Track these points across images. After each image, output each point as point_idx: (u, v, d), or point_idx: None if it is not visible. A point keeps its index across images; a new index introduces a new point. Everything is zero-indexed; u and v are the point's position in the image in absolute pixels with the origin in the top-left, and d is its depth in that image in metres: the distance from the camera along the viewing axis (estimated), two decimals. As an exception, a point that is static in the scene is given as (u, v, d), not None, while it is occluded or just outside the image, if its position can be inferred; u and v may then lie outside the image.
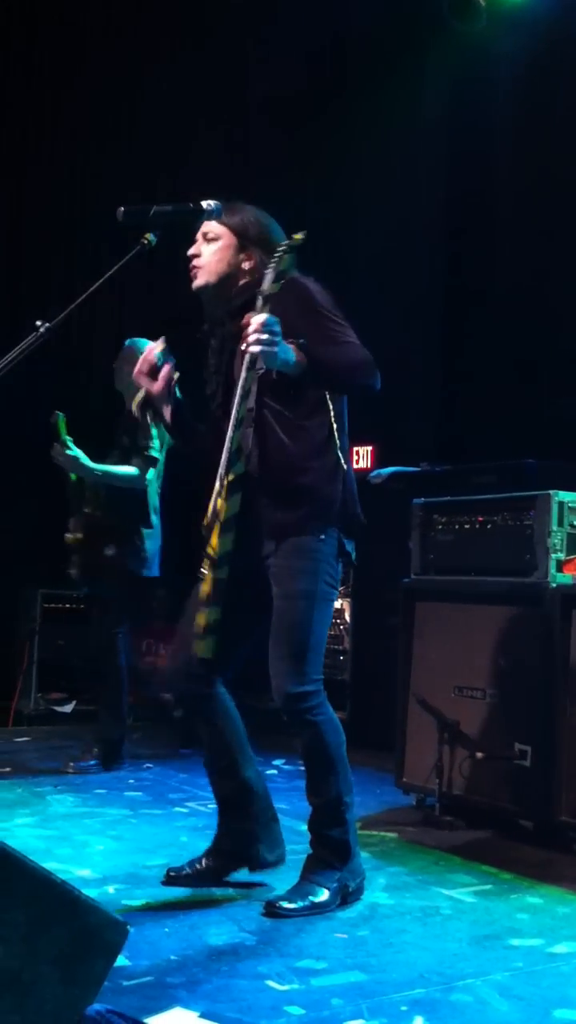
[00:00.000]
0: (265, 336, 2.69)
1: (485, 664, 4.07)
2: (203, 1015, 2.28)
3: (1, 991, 1.87)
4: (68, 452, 4.63)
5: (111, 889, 3.15)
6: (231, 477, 2.92)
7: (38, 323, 2.55)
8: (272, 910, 2.93)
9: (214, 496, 2.95)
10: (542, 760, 3.78)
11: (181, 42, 6.74)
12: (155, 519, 4.91)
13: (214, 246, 3.04)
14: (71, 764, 4.89)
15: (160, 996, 2.37)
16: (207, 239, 3.05)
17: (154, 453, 4.82)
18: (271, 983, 2.48)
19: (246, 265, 3.04)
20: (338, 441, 3.02)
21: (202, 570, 2.96)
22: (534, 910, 3.10)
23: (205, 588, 2.94)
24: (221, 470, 2.93)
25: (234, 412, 2.90)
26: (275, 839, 3.20)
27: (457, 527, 4.36)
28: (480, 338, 6.04)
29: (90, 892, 2.48)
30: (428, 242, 6.31)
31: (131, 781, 4.78)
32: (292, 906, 2.93)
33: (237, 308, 3.00)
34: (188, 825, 3.98)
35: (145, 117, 6.70)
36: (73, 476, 4.81)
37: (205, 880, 3.18)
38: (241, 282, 3.04)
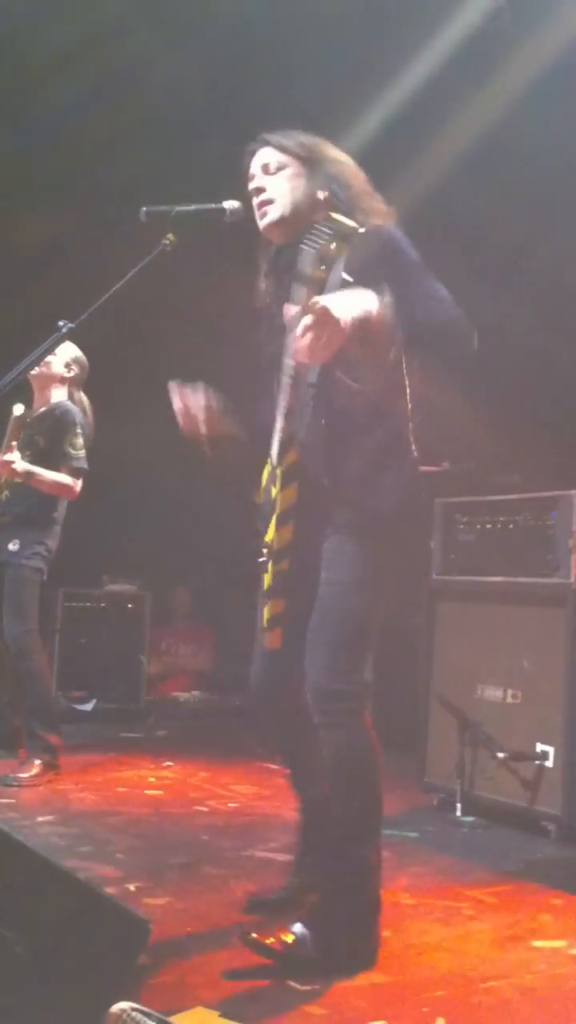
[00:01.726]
0: (313, 341, 2.35)
1: (507, 664, 4.06)
2: (224, 1014, 2.28)
3: (26, 988, 1.87)
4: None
5: (133, 887, 3.15)
6: (285, 465, 2.66)
7: (60, 322, 2.56)
8: (250, 944, 2.56)
9: (266, 482, 2.73)
10: (565, 761, 3.77)
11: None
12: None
13: (282, 175, 2.70)
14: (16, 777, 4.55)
15: (182, 995, 2.37)
16: (269, 171, 2.72)
17: (85, 464, 4.67)
18: (293, 983, 2.47)
19: (321, 195, 2.69)
20: (411, 425, 2.68)
21: (261, 561, 2.71)
22: (556, 912, 3.08)
23: (268, 580, 2.70)
24: (273, 457, 2.68)
25: (280, 395, 2.65)
26: None
27: (479, 527, 4.34)
28: (499, 337, 6.01)
29: (111, 890, 2.50)
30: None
31: (152, 780, 4.79)
32: (278, 949, 2.55)
33: (310, 252, 2.58)
34: (210, 824, 3.99)
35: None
36: None
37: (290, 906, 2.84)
38: (317, 217, 2.60)
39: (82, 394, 4.88)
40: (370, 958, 2.62)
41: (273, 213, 2.70)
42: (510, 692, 4.04)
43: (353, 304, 2.38)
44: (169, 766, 5.12)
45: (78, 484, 4.67)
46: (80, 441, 4.66)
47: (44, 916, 1.93)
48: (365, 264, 2.55)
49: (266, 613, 2.72)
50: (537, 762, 3.86)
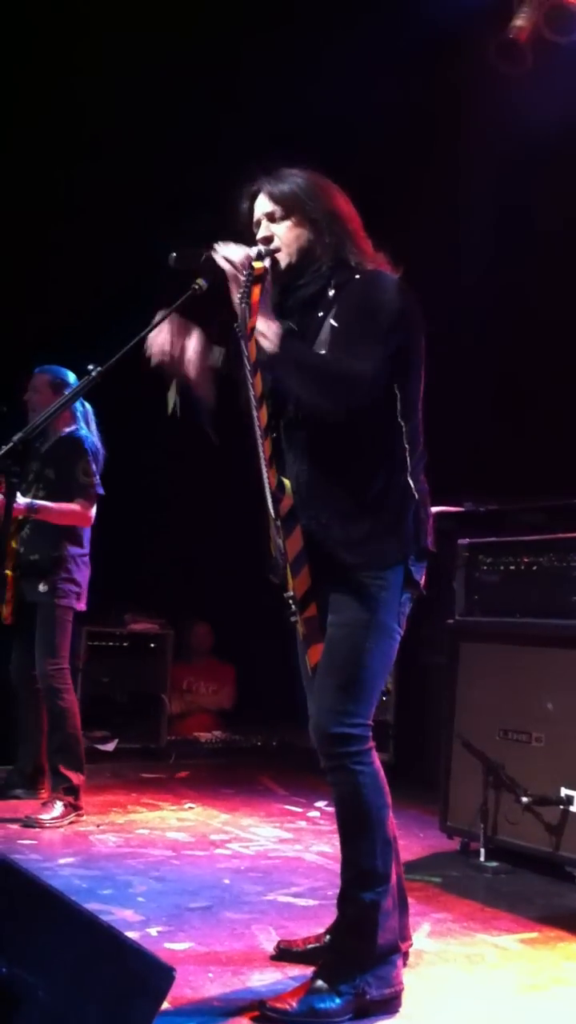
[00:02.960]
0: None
1: (531, 706, 4.03)
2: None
3: (47, 1035, 1.87)
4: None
5: (154, 932, 3.13)
6: (283, 514, 2.66)
7: (90, 367, 2.59)
8: (264, 1011, 2.51)
9: (272, 535, 2.72)
10: (589, 805, 3.73)
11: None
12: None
13: (286, 225, 2.72)
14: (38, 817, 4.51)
15: (204, 1042, 2.36)
16: (275, 220, 2.74)
17: (100, 490, 4.68)
18: (315, 1031, 2.45)
19: (325, 240, 2.70)
20: (410, 466, 2.67)
21: (291, 616, 2.70)
22: (582, 960, 3.04)
23: (301, 630, 2.70)
24: (270, 508, 2.68)
25: (259, 450, 2.65)
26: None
27: (503, 567, 4.33)
28: (526, 377, 6.03)
29: (132, 934, 2.49)
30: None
31: (174, 821, 4.77)
32: (287, 1009, 2.50)
33: (307, 298, 2.69)
34: (231, 867, 3.96)
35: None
36: None
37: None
38: (319, 265, 2.69)
39: (83, 402, 4.84)
40: (391, 1004, 2.60)
41: (282, 261, 2.72)
42: (534, 735, 4.01)
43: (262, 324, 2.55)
44: (190, 807, 5.09)
45: (91, 510, 4.67)
46: (92, 467, 4.67)
47: (65, 961, 1.92)
48: (347, 311, 2.63)
49: (309, 660, 2.71)
50: (561, 807, 3.82)
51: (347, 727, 2.60)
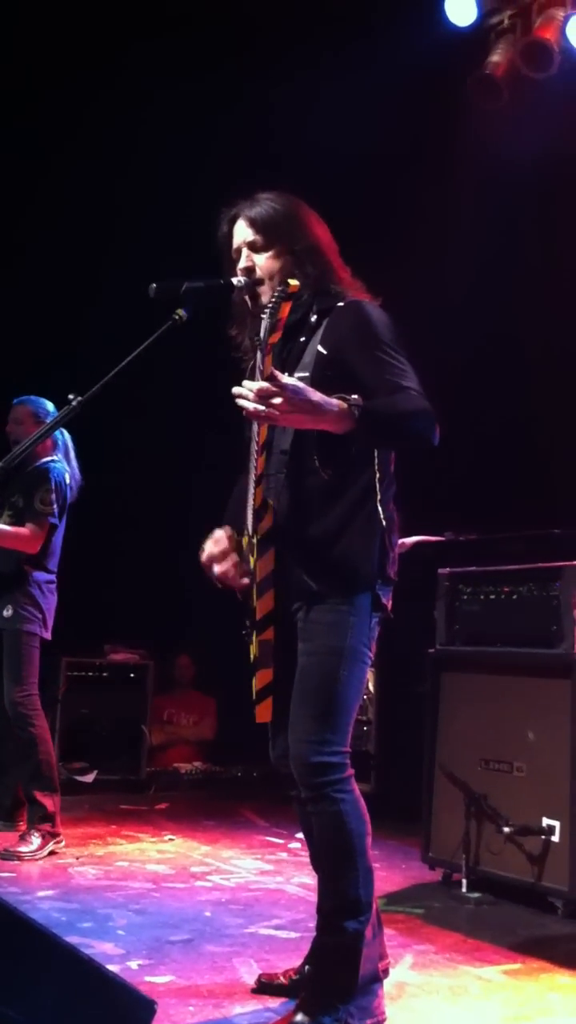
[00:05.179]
0: (264, 409, 2.38)
1: (512, 736, 4.03)
2: None
3: (27, 1071, 1.84)
4: None
5: (135, 965, 3.10)
6: (261, 533, 2.66)
7: (70, 396, 2.60)
8: None
9: (246, 553, 2.73)
10: (572, 835, 3.72)
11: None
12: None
13: (268, 255, 2.74)
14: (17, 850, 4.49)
15: (185, 1077, 2.33)
16: (256, 249, 2.75)
17: (53, 520, 4.68)
18: (298, 1065, 2.43)
19: (310, 270, 2.71)
20: (379, 493, 2.68)
21: (245, 633, 2.73)
22: (565, 990, 3.03)
23: (253, 651, 2.70)
24: (248, 526, 2.69)
25: (251, 464, 2.66)
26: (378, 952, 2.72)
27: (483, 597, 4.34)
28: (508, 407, 6.08)
29: (113, 968, 2.46)
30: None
31: (154, 853, 4.73)
32: None
33: (290, 325, 2.67)
34: (212, 899, 3.93)
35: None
36: None
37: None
38: (300, 294, 2.66)
39: (62, 432, 4.87)
40: None
41: (263, 297, 2.73)
42: (515, 764, 4.01)
43: (311, 403, 2.40)
44: (171, 839, 5.06)
45: (38, 536, 4.64)
46: (51, 497, 4.67)
47: (47, 995, 1.89)
48: (340, 338, 2.63)
49: (254, 685, 2.71)
50: (543, 836, 3.81)
51: (326, 755, 2.59)
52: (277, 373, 2.40)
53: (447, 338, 5.96)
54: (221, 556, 2.75)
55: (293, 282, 2.57)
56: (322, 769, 2.58)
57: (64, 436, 4.88)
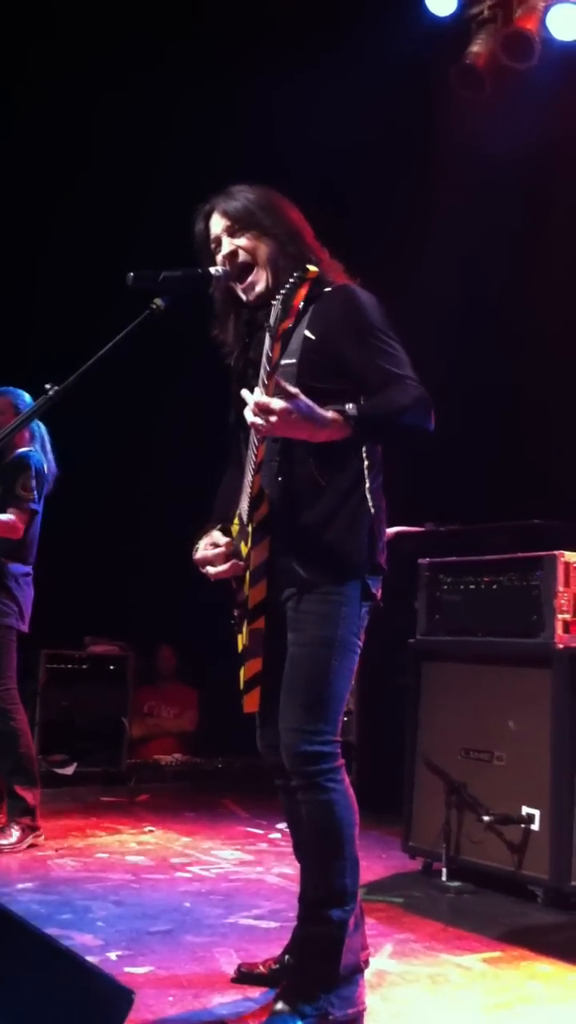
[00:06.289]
0: (263, 423, 2.39)
1: (493, 725, 4.03)
2: None
3: (4, 1062, 1.83)
4: None
5: (114, 956, 3.09)
6: (255, 522, 2.64)
7: (47, 385, 2.57)
8: None
9: (238, 540, 2.73)
10: (551, 824, 3.73)
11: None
12: None
13: (246, 238, 2.71)
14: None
15: (164, 1067, 2.32)
16: (233, 234, 2.72)
17: (35, 506, 4.66)
18: (278, 1054, 2.42)
19: (287, 252, 2.69)
20: (368, 482, 2.67)
21: (235, 623, 2.74)
22: (545, 978, 3.03)
23: (242, 640, 2.70)
24: (243, 514, 2.68)
25: (251, 453, 2.62)
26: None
27: (464, 587, 4.35)
28: (491, 398, 6.08)
29: (92, 959, 2.45)
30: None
31: (133, 845, 4.72)
32: None
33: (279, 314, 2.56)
34: (192, 890, 3.92)
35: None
36: None
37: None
38: (286, 272, 2.57)
39: (39, 424, 4.84)
40: None
41: (259, 285, 2.71)
42: (496, 753, 4.02)
43: (308, 419, 2.41)
44: (151, 831, 5.04)
45: (21, 523, 4.60)
46: (32, 483, 4.64)
47: (24, 985, 1.88)
48: (329, 324, 2.61)
49: (242, 675, 2.70)
50: (523, 825, 3.82)
51: (318, 745, 2.59)
52: (287, 386, 2.39)
53: (430, 328, 5.96)
54: (217, 560, 2.75)
55: (312, 268, 2.48)
56: (313, 758, 2.58)
57: (40, 428, 4.85)
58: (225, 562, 2.75)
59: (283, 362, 2.56)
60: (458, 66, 5.66)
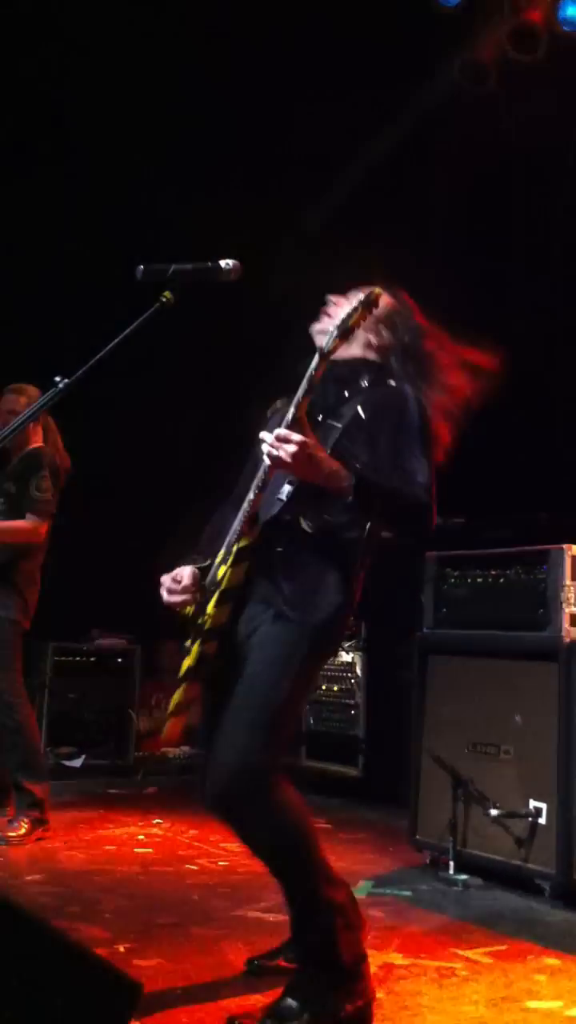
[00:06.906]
0: (277, 453, 2.46)
1: (499, 719, 4.04)
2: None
3: (13, 1054, 1.84)
4: None
5: (122, 948, 3.10)
6: (241, 543, 2.64)
7: (57, 378, 2.57)
8: None
9: (218, 561, 2.72)
10: (558, 818, 3.74)
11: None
12: None
13: (350, 305, 2.66)
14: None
15: (173, 1059, 2.33)
16: (346, 295, 2.81)
17: (50, 507, 4.63)
18: (285, 1047, 2.43)
19: (373, 340, 2.86)
20: (359, 554, 2.71)
21: (187, 643, 2.70)
22: (552, 971, 3.04)
23: (188, 662, 2.67)
24: (232, 535, 2.67)
25: (261, 471, 2.59)
26: None
27: (470, 581, 4.35)
28: (495, 393, 6.07)
29: (100, 951, 2.46)
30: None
31: (141, 837, 4.74)
32: None
33: (344, 375, 2.78)
34: (200, 883, 3.93)
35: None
36: None
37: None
38: (364, 356, 2.83)
39: (48, 419, 4.80)
40: (363, 1017, 2.58)
41: (327, 330, 2.65)
42: (502, 748, 4.02)
43: (320, 469, 2.50)
44: (158, 823, 5.06)
45: (42, 527, 4.59)
46: (46, 484, 4.61)
47: (33, 978, 1.89)
48: (377, 413, 2.70)
49: (175, 697, 2.67)
50: (530, 819, 3.83)
51: (253, 761, 2.53)
52: (306, 427, 2.50)
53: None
54: (175, 592, 2.79)
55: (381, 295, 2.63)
56: (258, 775, 2.53)
57: (48, 422, 4.83)
58: (182, 596, 2.76)
59: (328, 421, 2.68)
60: (463, 56, 5.65)
